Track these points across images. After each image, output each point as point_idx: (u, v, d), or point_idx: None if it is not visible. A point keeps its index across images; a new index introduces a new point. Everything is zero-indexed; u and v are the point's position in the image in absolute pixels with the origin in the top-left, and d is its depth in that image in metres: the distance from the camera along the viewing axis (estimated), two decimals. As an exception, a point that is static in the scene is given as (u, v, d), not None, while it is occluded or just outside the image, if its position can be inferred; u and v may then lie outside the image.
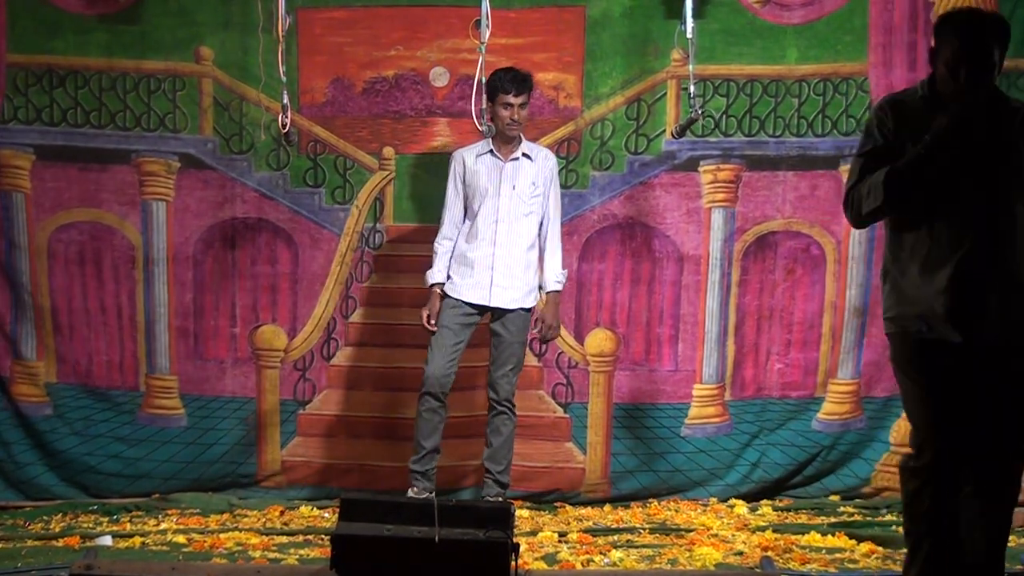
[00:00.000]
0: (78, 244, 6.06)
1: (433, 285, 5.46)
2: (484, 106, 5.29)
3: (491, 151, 5.46)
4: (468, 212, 5.48)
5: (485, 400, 5.62)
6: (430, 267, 5.51)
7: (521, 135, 5.50)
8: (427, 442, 5.41)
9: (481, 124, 5.23)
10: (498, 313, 5.45)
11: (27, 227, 6.02)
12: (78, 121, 6.03)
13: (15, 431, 6.03)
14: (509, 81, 5.34)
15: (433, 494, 5.39)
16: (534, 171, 5.46)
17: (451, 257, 5.46)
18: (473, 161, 5.46)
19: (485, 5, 5.15)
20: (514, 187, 5.42)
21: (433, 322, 5.42)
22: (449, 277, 5.46)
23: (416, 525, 3.57)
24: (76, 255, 6.06)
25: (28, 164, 6.01)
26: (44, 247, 6.03)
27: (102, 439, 6.04)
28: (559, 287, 5.53)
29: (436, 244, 5.50)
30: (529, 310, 5.50)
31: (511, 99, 5.33)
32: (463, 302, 5.42)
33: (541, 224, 5.51)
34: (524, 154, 5.47)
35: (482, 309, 5.45)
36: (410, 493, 5.39)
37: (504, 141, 5.44)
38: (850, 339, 6.01)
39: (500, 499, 5.41)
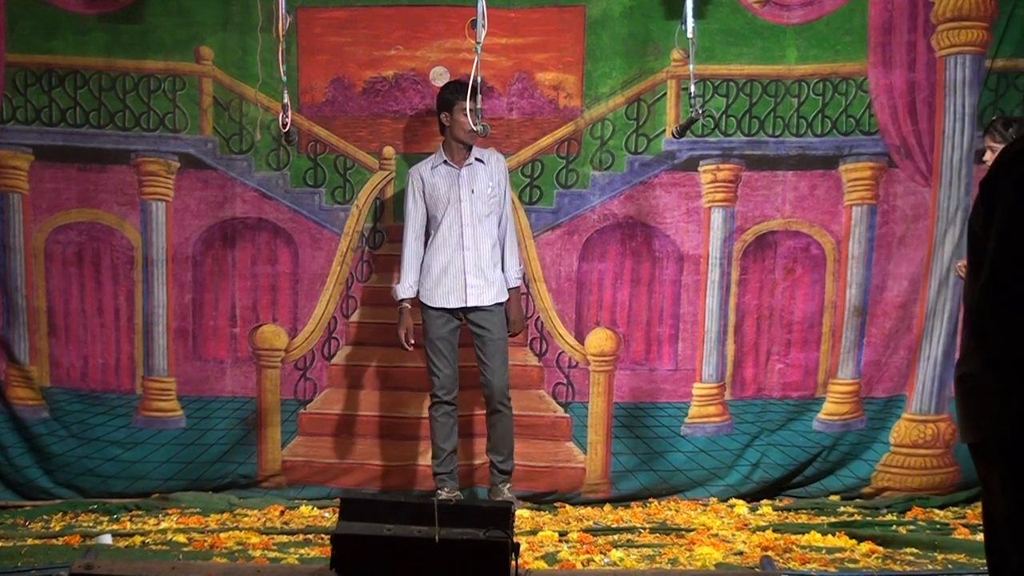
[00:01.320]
0: (76, 245, 6.05)
1: (403, 300, 5.58)
2: (479, 106, 5.29)
3: (445, 161, 5.61)
4: (431, 222, 5.62)
5: (482, 399, 5.72)
6: (397, 281, 5.63)
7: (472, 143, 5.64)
8: (446, 444, 5.62)
9: (476, 124, 5.25)
10: (475, 311, 5.59)
11: (24, 228, 6.01)
12: (77, 121, 6.02)
13: (12, 435, 6.03)
14: (468, 90, 5.37)
15: (459, 492, 5.65)
16: (488, 173, 5.62)
17: (417, 269, 5.59)
18: (430, 174, 5.61)
19: (481, 5, 5.15)
20: (473, 191, 5.57)
21: (412, 341, 5.58)
22: (421, 287, 5.60)
23: (416, 525, 3.56)
24: (74, 256, 6.05)
25: (26, 165, 6.01)
26: (41, 248, 6.02)
27: (99, 442, 6.03)
28: (519, 283, 5.72)
29: (402, 258, 5.62)
30: (502, 304, 5.65)
31: (470, 106, 5.36)
32: (443, 309, 5.54)
33: (499, 223, 5.66)
34: (477, 159, 5.63)
35: (461, 311, 5.59)
36: (441, 495, 5.52)
37: (457, 149, 5.59)
38: (850, 339, 6.01)
39: (507, 486, 5.62)
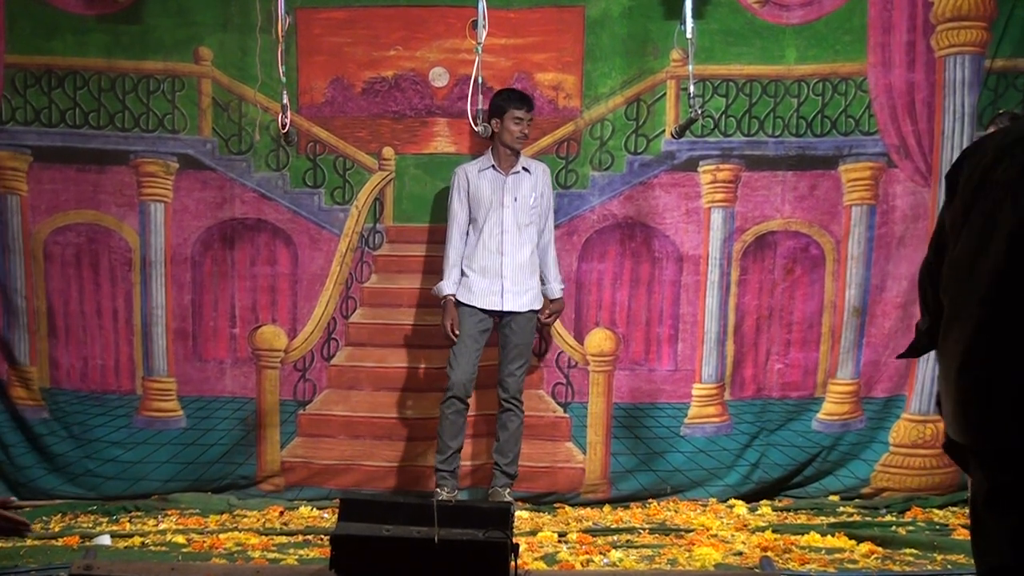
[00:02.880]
0: (75, 246, 6.04)
1: (447, 296, 5.64)
2: (480, 106, 5.32)
3: (492, 166, 5.67)
4: (473, 224, 5.66)
5: (489, 400, 5.77)
6: (440, 278, 5.69)
7: (520, 151, 5.72)
8: (454, 442, 5.64)
9: (477, 124, 5.26)
10: (508, 316, 5.65)
11: (22, 230, 6.00)
12: (76, 122, 6.02)
13: (14, 434, 6.03)
14: (518, 99, 5.61)
15: (457, 492, 5.67)
16: (532, 183, 5.68)
17: (460, 267, 5.65)
18: (476, 176, 5.66)
19: (482, 5, 5.15)
20: (516, 199, 5.64)
21: (457, 332, 5.63)
22: (461, 285, 5.66)
23: (415, 525, 3.56)
24: (73, 257, 6.04)
25: (25, 166, 6.00)
26: (40, 250, 6.01)
27: (99, 443, 6.03)
28: (562, 294, 5.80)
29: (446, 256, 5.68)
30: (536, 312, 5.71)
31: (522, 114, 5.58)
32: (478, 309, 5.60)
33: (541, 234, 5.74)
34: (523, 168, 5.70)
35: (494, 314, 5.65)
36: (442, 494, 5.53)
37: (506, 155, 5.65)
38: (849, 339, 6.01)
39: (508, 489, 5.65)
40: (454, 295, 5.65)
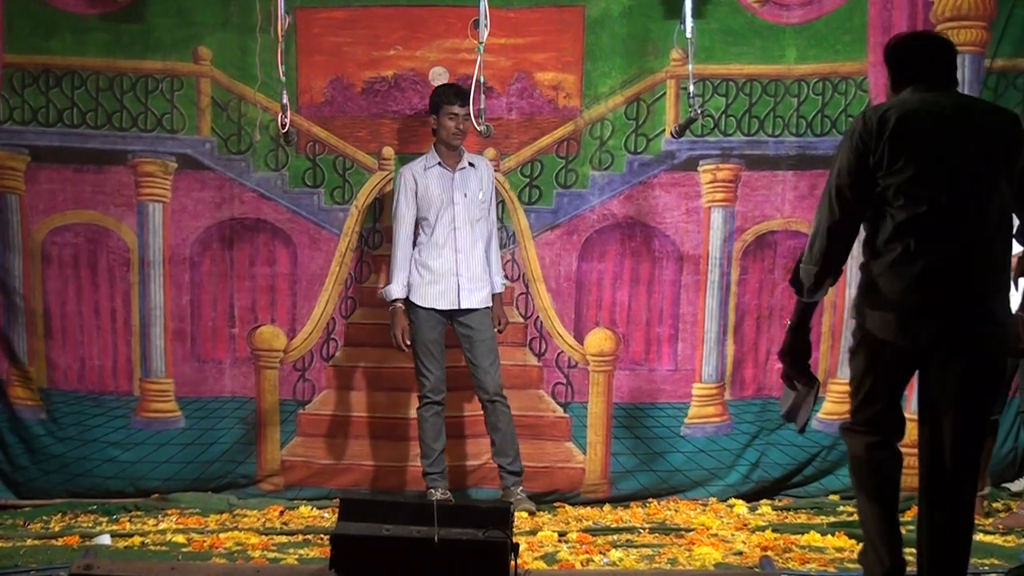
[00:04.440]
0: (73, 247, 6.03)
1: (395, 301, 5.61)
2: (482, 106, 5.32)
3: (439, 163, 5.66)
4: (423, 223, 5.65)
5: (472, 400, 5.77)
6: (388, 282, 5.68)
7: (462, 147, 5.69)
8: (437, 444, 5.65)
9: (480, 124, 5.26)
10: (464, 314, 5.64)
11: (21, 229, 5.99)
12: (74, 122, 6.01)
13: (13, 434, 6.02)
14: (454, 94, 5.58)
15: (448, 493, 5.67)
16: (479, 178, 5.69)
17: (409, 270, 5.63)
18: (423, 174, 5.65)
19: (483, 5, 5.15)
20: (466, 194, 5.64)
21: (408, 342, 5.61)
22: (411, 288, 5.63)
23: (415, 525, 3.57)
24: (71, 258, 6.03)
25: (23, 166, 5.99)
26: (38, 250, 6.00)
27: (97, 443, 6.02)
28: (503, 289, 5.80)
29: (393, 258, 5.67)
30: (490, 308, 5.72)
31: (456, 110, 5.55)
32: (433, 310, 5.60)
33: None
34: (469, 163, 5.70)
35: (451, 313, 5.62)
36: (436, 496, 5.53)
37: (449, 151, 5.65)
38: (849, 339, 5.99)
39: (520, 487, 5.67)
40: (403, 300, 5.62)
